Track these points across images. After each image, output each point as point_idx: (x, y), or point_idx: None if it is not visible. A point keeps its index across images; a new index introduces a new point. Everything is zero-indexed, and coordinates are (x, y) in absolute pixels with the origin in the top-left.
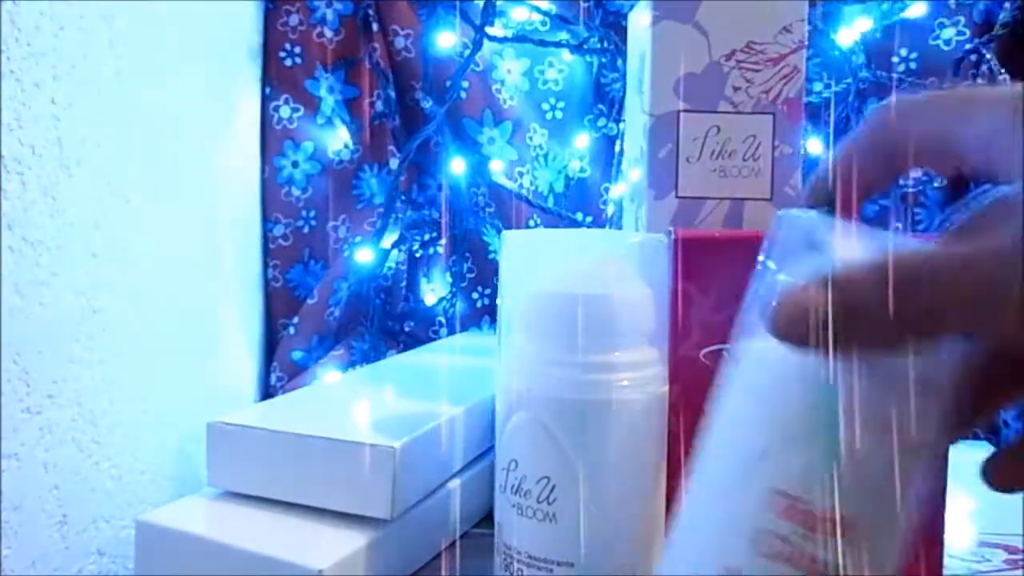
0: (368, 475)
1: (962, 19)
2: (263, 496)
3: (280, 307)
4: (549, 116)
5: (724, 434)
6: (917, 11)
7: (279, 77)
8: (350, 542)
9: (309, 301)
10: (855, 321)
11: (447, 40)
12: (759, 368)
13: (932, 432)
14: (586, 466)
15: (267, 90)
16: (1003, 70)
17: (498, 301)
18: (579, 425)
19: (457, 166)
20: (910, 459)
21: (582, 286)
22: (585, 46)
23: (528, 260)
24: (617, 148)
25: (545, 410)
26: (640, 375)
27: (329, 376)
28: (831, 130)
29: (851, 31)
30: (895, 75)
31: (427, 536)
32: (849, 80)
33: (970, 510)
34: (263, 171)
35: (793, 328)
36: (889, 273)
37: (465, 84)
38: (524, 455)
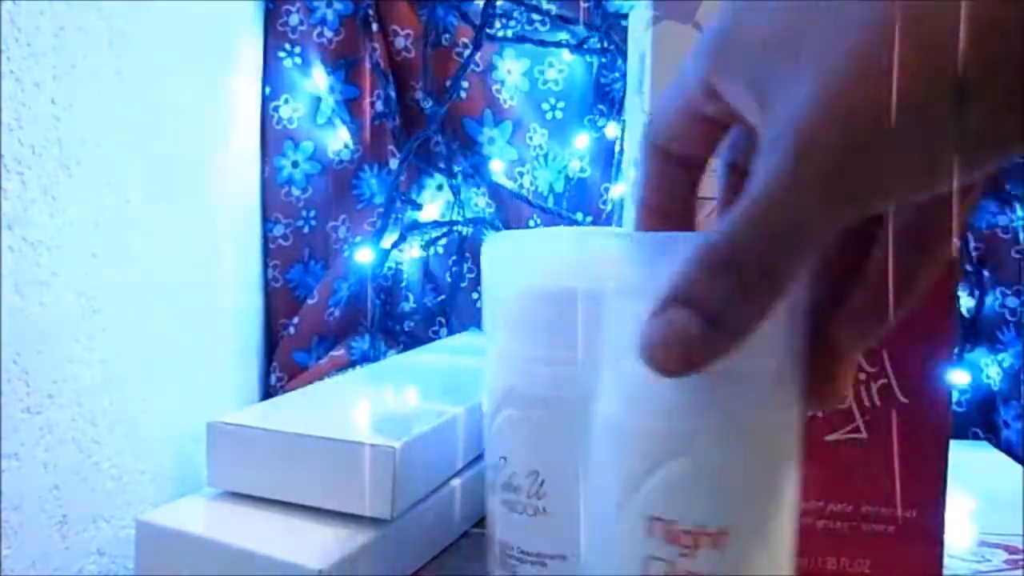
0: (368, 475)
1: None
2: (263, 496)
3: (280, 307)
4: (549, 116)
5: (605, 469)
6: None
7: (279, 77)
8: (350, 542)
9: (309, 301)
10: (718, 322)
11: (447, 40)
12: (608, 401)
13: (789, 409)
14: (575, 460)
15: (267, 90)
16: None
17: (484, 301)
18: (567, 420)
19: (457, 166)
20: (772, 460)
21: (568, 282)
22: (585, 46)
23: (511, 259)
24: (617, 148)
25: (533, 406)
26: None
27: (329, 376)
28: None
29: None
30: None
31: (427, 536)
32: None
33: (970, 510)
34: (263, 171)
35: (681, 364)
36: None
37: (465, 84)
38: (513, 451)
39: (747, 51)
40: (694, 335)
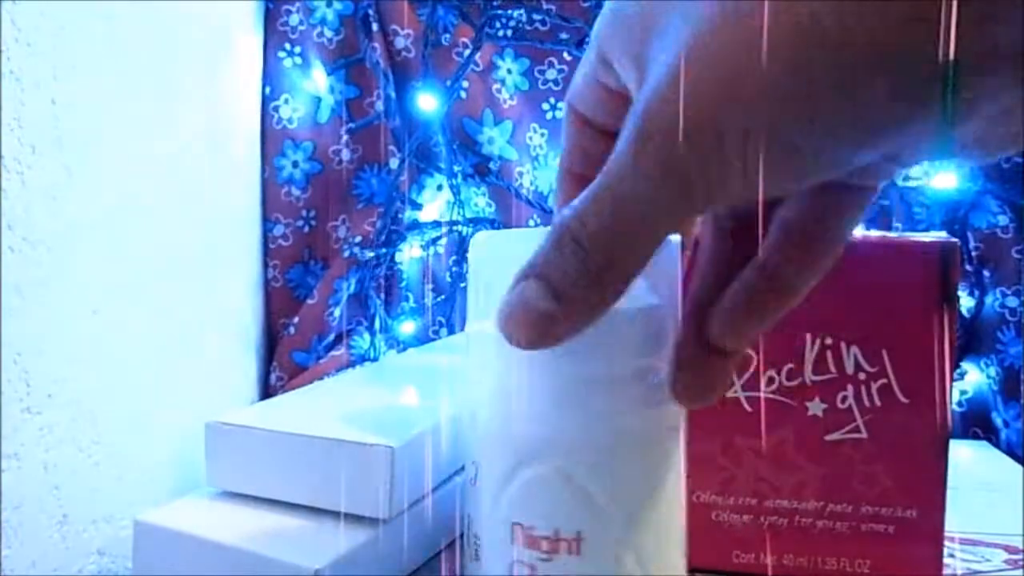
0: (365, 475)
1: None
2: (261, 496)
3: (280, 307)
4: (549, 116)
5: (480, 475)
6: None
7: (279, 77)
8: (346, 541)
9: (309, 301)
10: (567, 301)
11: (447, 40)
12: (481, 403)
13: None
14: None
15: (267, 90)
16: None
17: (468, 299)
18: None
19: (457, 165)
20: (635, 463)
21: None
22: (585, 46)
23: (498, 259)
24: None
25: None
26: None
27: (328, 376)
28: None
29: None
30: None
31: (424, 536)
32: None
33: (970, 510)
34: (263, 171)
35: (529, 337)
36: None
37: (465, 84)
38: None
39: (632, 23)
40: (541, 309)
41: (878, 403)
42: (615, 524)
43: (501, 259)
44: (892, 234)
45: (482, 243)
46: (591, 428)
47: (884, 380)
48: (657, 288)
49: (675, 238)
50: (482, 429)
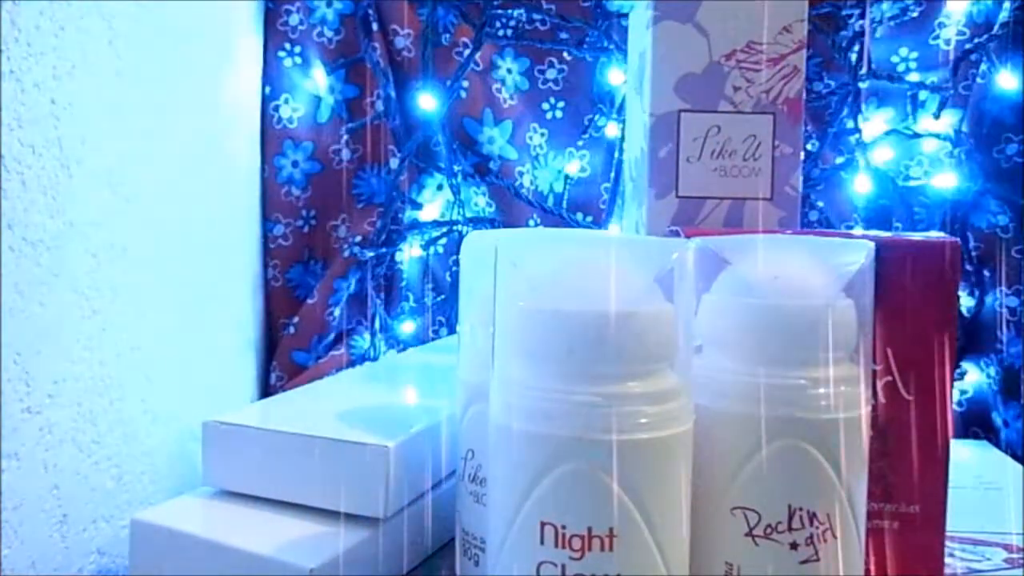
0: (362, 474)
1: (962, 19)
2: (258, 495)
3: (280, 307)
4: (549, 116)
5: (497, 476)
6: (917, 11)
7: (279, 77)
8: (343, 541)
9: (309, 301)
10: None
11: (447, 40)
12: (496, 404)
13: None
14: None
15: (267, 90)
16: (1003, 70)
17: (460, 298)
18: None
19: (457, 165)
20: (661, 462)
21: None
22: (585, 46)
23: (484, 260)
24: (617, 148)
25: None
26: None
27: (328, 376)
28: (831, 130)
29: (850, 31)
30: (895, 75)
31: (421, 536)
32: (849, 80)
33: (970, 509)
34: (263, 171)
35: None
36: None
37: (465, 84)
38: (480, 445)
39: None
40: None
41: (883, 400)
42: (646, 521)
43: (491, 259)
44: (892, 234)
45: (474, 243)
46: (622, 426)
47: (889, 378)
48: (669, 292)
49: (691, 243)
50: (497, 428)
